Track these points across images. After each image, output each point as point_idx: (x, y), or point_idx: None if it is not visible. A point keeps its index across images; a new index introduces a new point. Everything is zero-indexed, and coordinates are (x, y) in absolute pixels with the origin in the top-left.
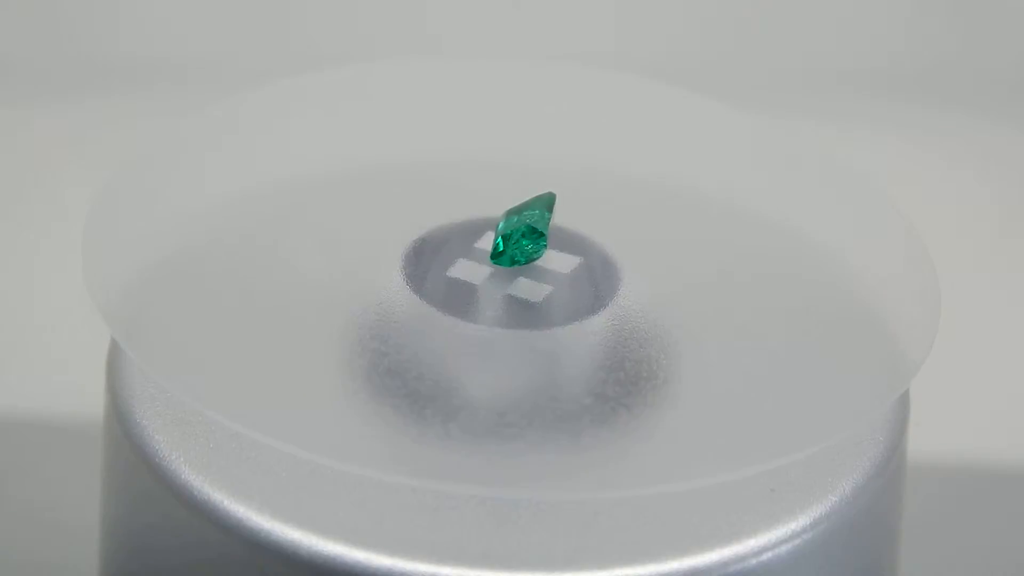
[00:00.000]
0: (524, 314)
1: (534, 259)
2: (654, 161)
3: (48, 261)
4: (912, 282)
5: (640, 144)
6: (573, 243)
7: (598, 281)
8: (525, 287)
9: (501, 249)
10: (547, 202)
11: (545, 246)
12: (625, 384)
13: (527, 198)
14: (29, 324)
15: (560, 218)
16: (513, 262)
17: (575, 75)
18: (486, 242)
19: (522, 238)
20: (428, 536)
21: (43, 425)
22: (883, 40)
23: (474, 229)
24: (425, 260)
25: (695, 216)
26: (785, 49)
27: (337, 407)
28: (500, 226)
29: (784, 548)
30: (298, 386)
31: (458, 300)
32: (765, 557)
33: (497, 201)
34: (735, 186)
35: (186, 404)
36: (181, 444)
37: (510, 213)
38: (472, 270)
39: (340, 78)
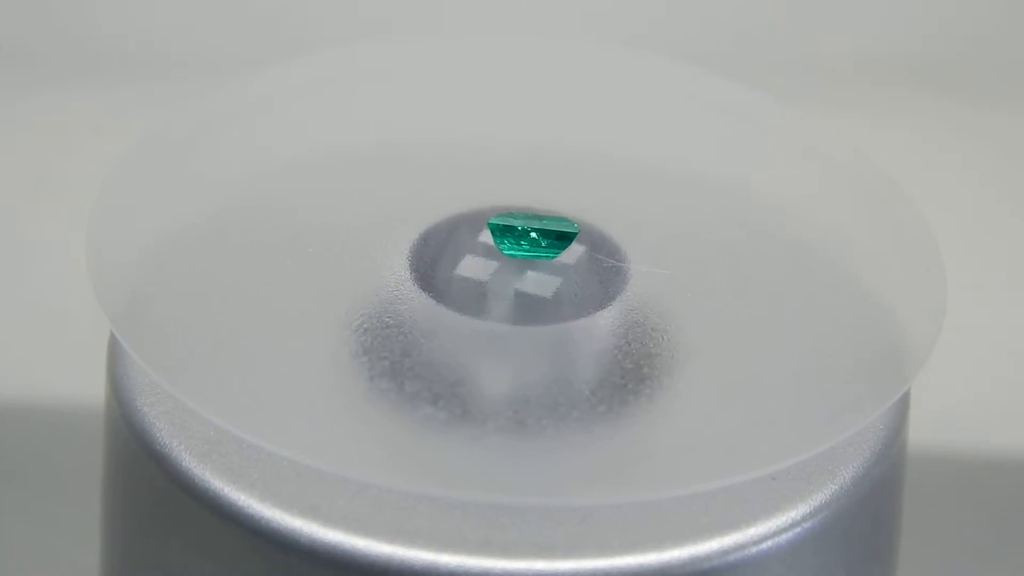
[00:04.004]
0: (524, 311)
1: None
2: (665, 146)
3: (50, 249)
4: (919, 278)
5: (653, 128)
6: (581, 235)
7: (602, 277)
8: (529, 282)
9: (502, 225)
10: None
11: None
12: (625, 384)
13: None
14: (30, 312)
15: (571, 206)
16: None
17: (591, 55)
18: (487, 235)
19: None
20: (428, 524)
21: (44, 413)
22: (898, 29)
23: (480, 220)
24: (431, 252)
25: (701, 204)
26: (799, 36)
27: (339, 408)
28: (528, 221)
29: (784, 537)
30: (298, 385)
31: (461, 295)
32: (765, 545)
33: (502, 190)
34: (743, 173)
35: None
36: (182, 432)
37: (538, 217)
38: (476, 264)
39: (337, 60)
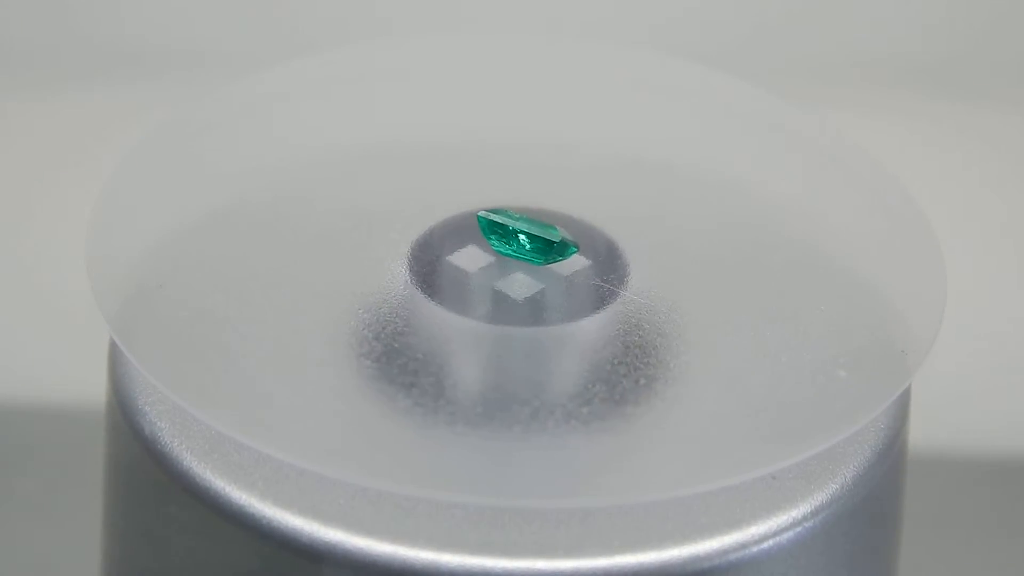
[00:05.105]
0: (525, 311)
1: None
2: (670, 144)
3: (51, 249)
4: (919, 274)
5: (658, 126)
6: (581, 233)
7: (602, 276)
8: (528, 283)
9: (496, 224)
10: (552, 245)
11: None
12: (624, 384)
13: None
14: (30, 310)
15: (572, 205)
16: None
17: (595, 54)
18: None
19: (494, 235)
20: (429, 524)
21: (44, 412)
22: (898, 29)
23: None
24: (433, 252)
25: (702, 201)
26: (800, 36)
27: (337, 410)
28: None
29: (785, 536)
30: (297, 387)
31: (458, 297)
32: (766, 545)
33: (506, 188)
34: (745, 170)
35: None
36: (182, 431)
37: (539, 223)
38: (478, 267)
39: (338, 59)
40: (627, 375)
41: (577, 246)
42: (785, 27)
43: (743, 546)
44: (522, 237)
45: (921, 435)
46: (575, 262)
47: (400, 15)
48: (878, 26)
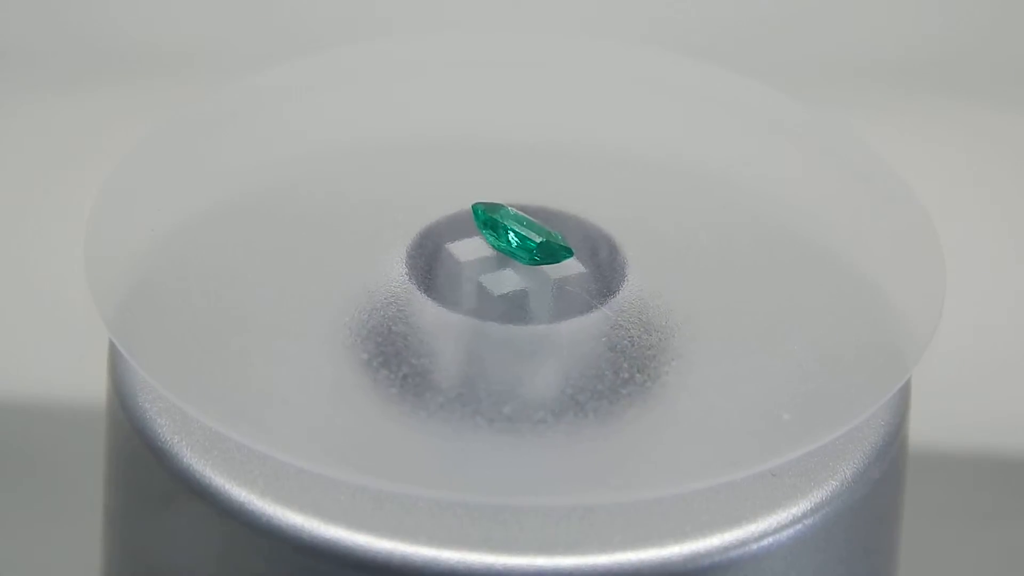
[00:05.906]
0: (523, 308)
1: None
2: (673, 142)
3: (52, 247)
4: (919, 269)
5: (661, 125)
6: (582, 231)
7: (601, 273)
8: (526, 281)
9: (489, 220)
10: (553, 247)
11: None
12: (623, 381)
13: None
14: (30, 310)
15: (572, 203)
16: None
17: (600, 52)
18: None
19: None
20: (429, 521)
21: (45, 410)
22: (898, 29)
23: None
24: (431, 251)
25: (702, 199)
26: (800, 36)
27: (335, 409)
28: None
29: (785, 533)
30: (295, 385)
31: (455, 294)
32: (766, 542)
33: (505, 187)
34: (745, 167)
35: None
36: (183, 429)
37: (537, 226)
38: (476, 265)
39: (338, 58)
40: (624, 372)
41: (571, 251)
42: (786, 27)
43: (743, 543)
44: (511, 234)
45: (921, 432)
46: (576, 260)
47: (400, 15)
48: (879, 25)
